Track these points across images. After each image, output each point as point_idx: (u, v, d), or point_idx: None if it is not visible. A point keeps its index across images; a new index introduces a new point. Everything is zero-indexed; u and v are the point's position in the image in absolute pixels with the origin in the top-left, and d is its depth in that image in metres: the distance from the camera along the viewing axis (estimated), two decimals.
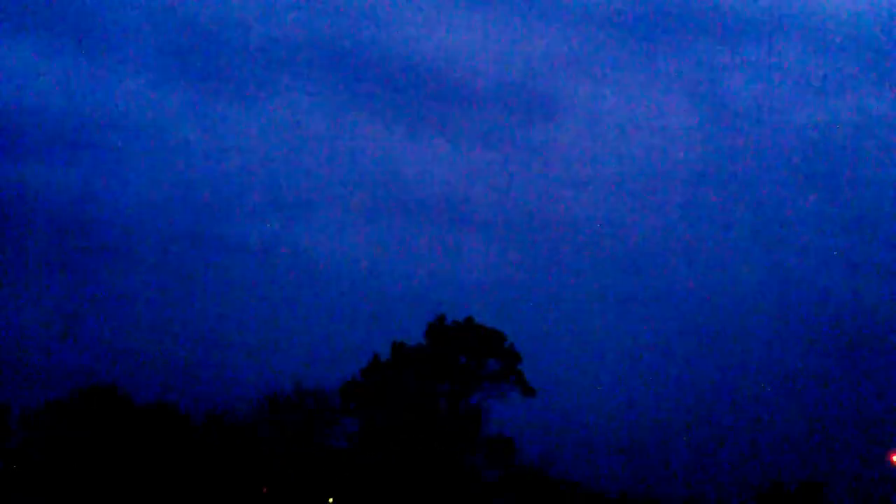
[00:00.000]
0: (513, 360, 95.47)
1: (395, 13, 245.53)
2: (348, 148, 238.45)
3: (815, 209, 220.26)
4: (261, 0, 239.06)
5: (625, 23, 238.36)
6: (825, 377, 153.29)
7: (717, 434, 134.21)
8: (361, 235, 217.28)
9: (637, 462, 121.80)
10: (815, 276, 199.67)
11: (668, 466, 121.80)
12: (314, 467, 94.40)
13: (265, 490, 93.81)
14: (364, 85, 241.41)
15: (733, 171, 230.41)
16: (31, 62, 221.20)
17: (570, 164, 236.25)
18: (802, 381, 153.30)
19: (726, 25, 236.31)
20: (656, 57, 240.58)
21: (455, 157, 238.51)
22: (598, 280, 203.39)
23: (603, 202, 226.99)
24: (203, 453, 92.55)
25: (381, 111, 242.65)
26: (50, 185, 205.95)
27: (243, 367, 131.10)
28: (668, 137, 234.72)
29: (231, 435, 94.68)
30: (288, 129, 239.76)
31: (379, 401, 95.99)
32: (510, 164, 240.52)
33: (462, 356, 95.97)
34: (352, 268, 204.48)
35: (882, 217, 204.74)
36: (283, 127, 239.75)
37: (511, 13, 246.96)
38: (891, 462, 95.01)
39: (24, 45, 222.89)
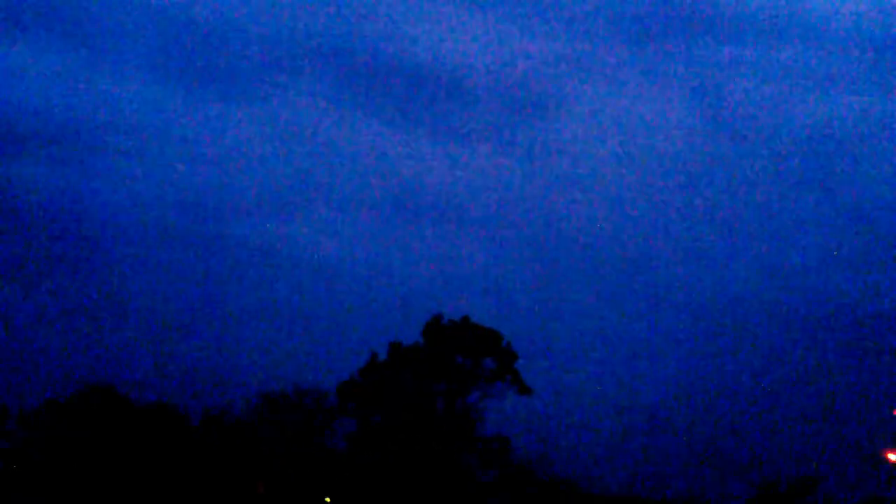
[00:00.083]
0: (509, 359, 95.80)
1: (394, 13, 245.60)
2: (346, 147, 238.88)
3: (815, 208, 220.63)
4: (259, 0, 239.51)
5: (624, 22, 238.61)
6: (822, 376, 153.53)
7: (715, 433, 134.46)
8: (359, 234, 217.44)
9: (634, 461, 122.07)
10: (814, 276, 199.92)
11: (664, 466, 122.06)
12: (312, 467, 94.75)
13: (262, 489, 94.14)
14: (363, 84, 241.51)
15: (732, 169, 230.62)
16: (28, 62, 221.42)
17: (569, 163, 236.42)
18: (799, 379, 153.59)
19: (726, 25, 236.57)
20: (655, 56, 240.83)
21: (453, 155, 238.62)
22: (595, 279, 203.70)
23: (601, 201, 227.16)
24: (201, 453, 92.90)
25: (380, 110, 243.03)
26: (48, 185, 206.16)
27: (241, 366, 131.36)
28: (667, 136, 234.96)
29: (229, 434, 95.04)
30: (286, 128, 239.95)
31: (376, 400, 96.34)
32: (508, 162, 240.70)
33: (458, 355, 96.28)
34: (349, 267, 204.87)
35: (881, 216, 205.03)
36: (281, 126, 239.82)
37: (510, 12, 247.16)
38: (886, 460, 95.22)
39: (21, 44, 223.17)
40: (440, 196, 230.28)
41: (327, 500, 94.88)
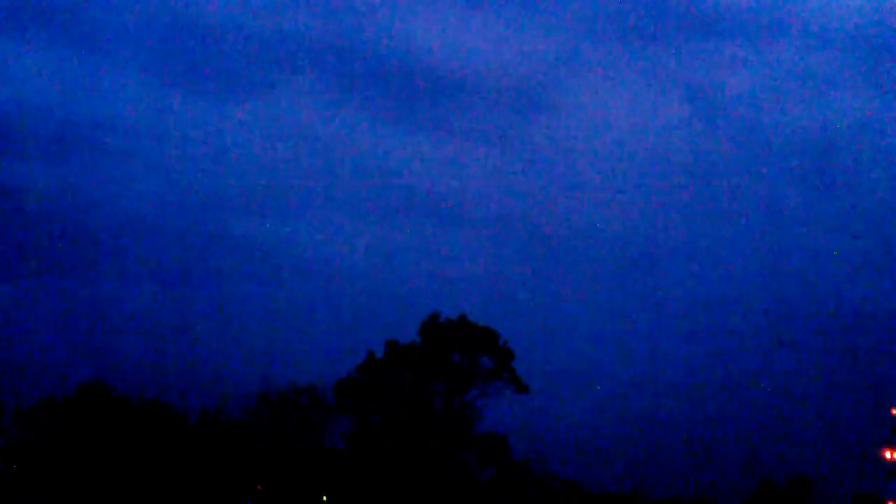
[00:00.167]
0: (506, 357, 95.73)
1: (394, 12, 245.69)
2: (346, 146, 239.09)
3: (813, 208, 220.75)
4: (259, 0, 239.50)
5: (623, 21, 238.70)
6: (820, 375, 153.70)
7: (713, 431, 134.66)
8: (357, 234, 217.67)
9: (632, 460, 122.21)
10: (811, 274, 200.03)
11: (662, 464, 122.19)
12: (309, 465, 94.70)
13: (260, 487, 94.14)
14: (362, 84, 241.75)
15: (731, 169, 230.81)
16: (28, 62, 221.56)
17: (567, 161, 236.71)
18: (797, 378, 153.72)
19: (724, 24, 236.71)
20: (654, 55, 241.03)
21: (452, 154, 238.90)
22: (593, 277, 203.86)
23: (600, 200, 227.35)
24: (198, 451, 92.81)
25: (380, 110, 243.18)
26: (48, 185, 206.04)
27: (238, 364, 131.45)
28: (666, 135, 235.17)
29: (226, 433, 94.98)
30: (285, 128, 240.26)
31: (373, 399, 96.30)
32: (507, 161, 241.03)
33: (456, 354, 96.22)
34: (347, 266, 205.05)
35: (880, 216, 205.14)
36: (280, 126, 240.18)
37: (509, 12, 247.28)
38: (882, 458, 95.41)
39: (21, 44, 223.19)
40: (438, 195, 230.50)
41: (324, 498, 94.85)
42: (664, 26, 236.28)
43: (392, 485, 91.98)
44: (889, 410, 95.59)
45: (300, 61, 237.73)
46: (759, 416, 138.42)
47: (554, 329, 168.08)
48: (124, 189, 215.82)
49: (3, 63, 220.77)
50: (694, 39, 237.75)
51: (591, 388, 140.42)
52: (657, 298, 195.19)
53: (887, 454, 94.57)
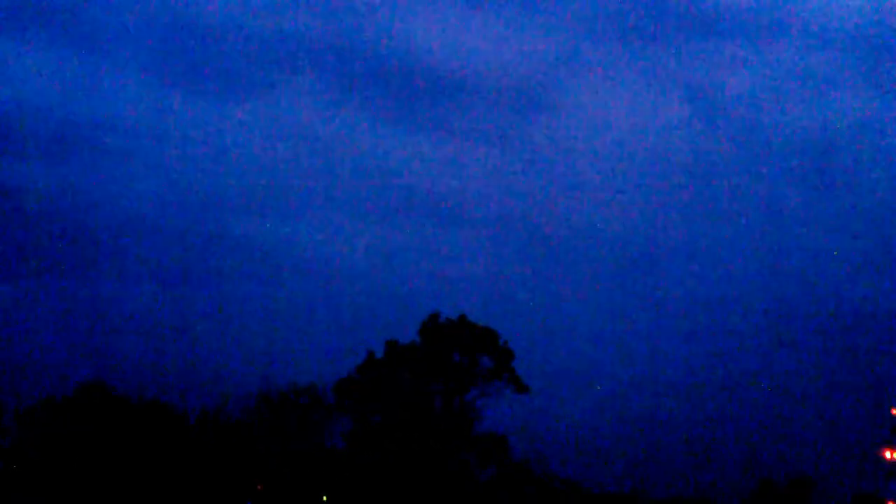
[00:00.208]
0: (506, 357, 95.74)
1: (394, 12, 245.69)
2: (346, 146, 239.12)
3: (812, 207, 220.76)
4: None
5: (623, 21, 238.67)
6: (820, 375, 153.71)
7: (713, 431, 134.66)
8: (356, 234, 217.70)
9: (632, 460, 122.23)
10: (811, 274, 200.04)
11: (662, 463, 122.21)
12: (309, 465, 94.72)
13: (260, 487, 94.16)
14: (362, 84, 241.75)
15: (730, 168, 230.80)
16: (28, 62, 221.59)
17: (567, 161, 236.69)
18: (797, 378, 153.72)
19: (724, 24, 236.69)
20: (654, 55, 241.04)
21: (452, 154, 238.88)
22: (593, 277, 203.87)
23: (599, 200, 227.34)
24: (198, 451, 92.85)
25: (380, 110, 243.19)
26: (48, 185, 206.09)
27: (238, 364, 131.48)
28: (665, 135, 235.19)
29: (226, 433, 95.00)
30: (285, 127, 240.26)
31: (373, 399, 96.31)
32: (507, 161, 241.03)
33: (456, 354, 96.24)
34: (347, 265, 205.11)
35: (879, 215, 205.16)
36: (280, 126, 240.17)
37: (509, 12, 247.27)
38: (882, 458, 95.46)
39: (21, 44, 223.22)
40: (438, 195, 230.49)
41: (324, 498, 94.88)
42: (664, 26, 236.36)
43: (392, 485, 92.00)
44: (889, 410, 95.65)
45: (300, 61, 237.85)
46: (759, 416, 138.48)
47: (554, 329, 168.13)
48: (124, 189, 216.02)
49: (3, 63, 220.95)
50: (694, 39, 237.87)
51: (591, 388, 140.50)
52: (657, 298, 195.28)
53: (887, 454, 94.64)
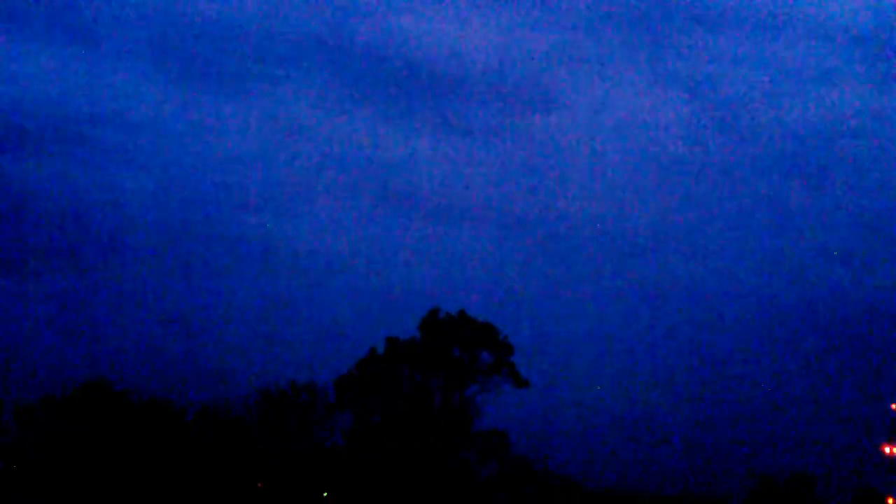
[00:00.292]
0: (506, 352, 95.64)
1: (391, 8, 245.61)
2: (343, 142, 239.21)
3: (809, 202, 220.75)
4: None
5: (621, 17, 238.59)
6: (819, 371, 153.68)
7: (713, 427, 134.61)
8: (356, 230, 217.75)
9: (632, 456, 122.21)
10: (808, 269, 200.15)
11: (662, 460, 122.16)
12: (309, 462, 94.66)
13: (260, 485, 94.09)
14: (359, 79, 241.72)
15: (729, 164, 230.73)
16: (26, 58, 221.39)
17: (567, 158, 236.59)
18: (795, 373, 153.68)
19: (723, 20, 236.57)
20: (653, 51, 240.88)
21: (451, 151, 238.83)
22: (593, 273, 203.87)
23: (598, 195, 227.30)
24: (198, 449, 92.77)
25: (377, 105, 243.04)
26: (47, 182, 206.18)
27: (238, 362, 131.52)
28: (665, 130, 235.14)
29: (226, 431, 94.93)
30: (283, 123, 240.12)
31: (374, 395, 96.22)
32: (506, 158, 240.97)
33: (455, 349, 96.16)
34: (346, 261, 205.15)
35: (875, 210, 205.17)
36: (278, 122, 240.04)
37: (507, 7, 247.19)
38: (882, 454, 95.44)
39: (21, 43, 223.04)
40: (438, 192, 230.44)
41: (325, 495, 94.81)
42: (663, 23, 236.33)
43: (392, 481, 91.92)
44: (889, 406, 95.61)
45: (300, 61, 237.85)
46: (760, 412, 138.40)
47: (553, 325, 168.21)
48: (124, 186, 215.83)
49: (2, 61, 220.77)
50: (693, 36, 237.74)
51: (590, 384, 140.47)
52: (656, 295, 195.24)
53: (887, 450, 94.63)
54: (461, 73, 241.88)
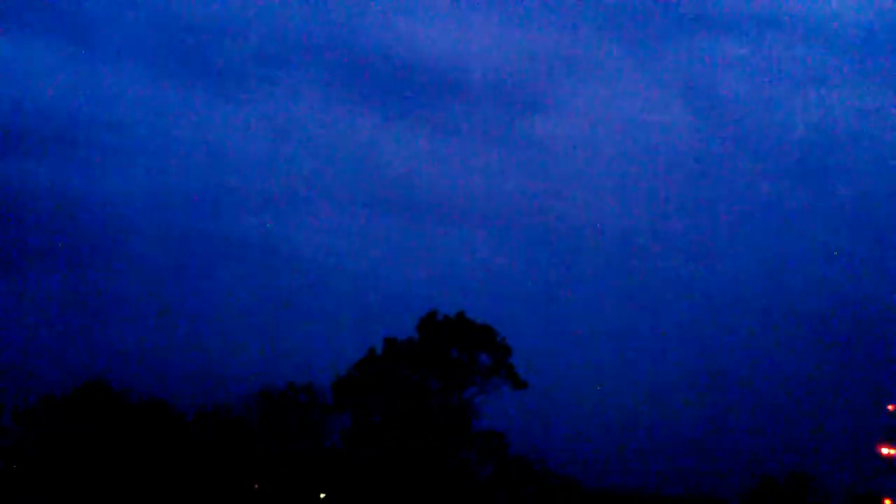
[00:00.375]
0: (504, 354, 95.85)
1: (391, 10, 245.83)
2: (343, 144, 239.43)
3: (808, 203, 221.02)
4: None
5: (619, 19, 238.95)
6: (816, 370, 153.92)
7: (710, 428, 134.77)
8: (355, 231, 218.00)
9: (631, 456, 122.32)
10: (807, 269, 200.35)
11: (661, 461, 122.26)
12: (307, 463, 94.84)
13: (257, 486, 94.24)
14: (359, 81, 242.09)
15: (728, 165, 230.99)
16: (27, 60, 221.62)
17: (566, 159, 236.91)
18: (794, 373, 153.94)
19: (719, 21, 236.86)
20: (650, 53, 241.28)
21: (449, 152, 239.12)
22: (592, 275, 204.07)
23: (596, 197, 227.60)
24: (196, 450, 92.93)
25: (376, 106, 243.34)
26: (44, 183, 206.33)
27: (237, 363, 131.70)
28: (663, 132, 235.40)
29: (224, 431, 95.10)
30: (283, 126, 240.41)
31: (372, 396, 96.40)
32: (506, 159, 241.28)
33: (454, 351, 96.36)
34: (345, 262, 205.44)
35: (874, 211, 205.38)
36: (277, 123, 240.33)
37: (507, 10, 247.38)
38: (880, 454, 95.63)
39: (21, 44, 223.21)
40: (437, 192, 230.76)
41: (323, 496, 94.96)
42: (662, 24, 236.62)
43: (391, 482, 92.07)
44: (886, 407, 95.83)
45: (298, 59, 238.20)
46: (758, 413, 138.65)
47: (552, 326, 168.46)
48: (123, 187, 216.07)
49: (3, 63, 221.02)
50: (691, 37, 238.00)
51: (589, 385, 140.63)
52: (656, 296, 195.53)
53: (884, 451, 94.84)
54: (461, 74, 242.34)
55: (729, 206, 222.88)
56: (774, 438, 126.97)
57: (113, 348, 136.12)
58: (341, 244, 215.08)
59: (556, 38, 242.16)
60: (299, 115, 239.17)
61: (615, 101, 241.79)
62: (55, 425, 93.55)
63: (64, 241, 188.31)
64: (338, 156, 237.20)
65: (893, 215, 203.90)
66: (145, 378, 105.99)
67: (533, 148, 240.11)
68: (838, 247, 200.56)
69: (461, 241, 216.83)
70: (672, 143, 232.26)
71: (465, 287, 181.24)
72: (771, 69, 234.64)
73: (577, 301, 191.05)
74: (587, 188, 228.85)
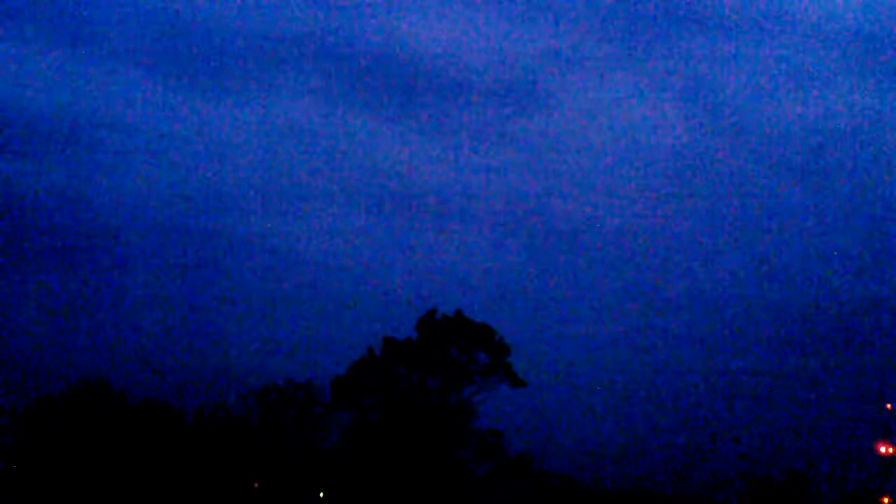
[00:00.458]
0: (502, 352, 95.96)
1: (390, 10, 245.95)
2: (342, 144, 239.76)
3: (804, 201, 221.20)
4: None
5: (616, 19, 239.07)
6: (814, 370, 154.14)
7: (708, 428, 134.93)
8: (354, 230, 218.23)
9: (629, 456, 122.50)
10: (806, 269, 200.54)
11: (659, 460, 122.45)
12: (306, 462, 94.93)
13: (256, 485, 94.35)
14: (358, 81, 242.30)
15: (726, 164, 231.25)
16: (28, 62, 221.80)
17: (565, 158, 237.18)
18: (792, 373, 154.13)
19: (716, 21, 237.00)
20: (647, 52, 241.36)
21: (450, 152, 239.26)
22: (591, 274, 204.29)
23: (596, 196, 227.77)
24: (195, 449, 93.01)
25: (375, 106, 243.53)
26: (45, 183, 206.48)
27: (235, 362, 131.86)
28: (661, 132, 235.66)
29: (223, 431, 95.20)
30: (282, 125, 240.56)
31: (370, 395, 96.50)
32: (505, 159, 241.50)
33: (452, 350, 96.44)
34: (345, 263, 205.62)
35: (873, 211, 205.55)
36: (277, 124, 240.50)
37: (504, 9, 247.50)
38: (877, 452, 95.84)
39: (20, 44, 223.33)
40: (435, 192, 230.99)
41: (321, 495, 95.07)
42: (660, 24, 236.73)
43: (390, 481, 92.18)
44: (883, 406, 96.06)
45: (300, 61, 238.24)
46: (756, 412, 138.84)
47: (551, 325, 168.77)
48: (124, 187, 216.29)
49: (3, 63, 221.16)
50: (690, 37, 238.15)
51: (588, 384, 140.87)
52: (654, 295, 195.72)
53: (881, 449, 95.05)
54: (459, 74, 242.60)
55: (727, 205, 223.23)
56: (773, 437, 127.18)
57: (113, 348, 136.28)
58: (340, 243, 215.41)
59: (555, 38, 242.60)
60: (299, 115, 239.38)
61: (613, 101, 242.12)
62: (55, 425, 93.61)
63: (64, 240, 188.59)
64: (337, 155, 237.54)
65: (892, 214, 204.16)
66: (145, 377, 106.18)
67: (531, 147, 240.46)
68: (837, 246, 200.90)
69: (459, 239, 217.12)
70: (670, 143, 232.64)
71: (464, 286, 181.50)
72: (768, 68, 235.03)
73: (576, 300, 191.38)
74: (585, 187, 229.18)
